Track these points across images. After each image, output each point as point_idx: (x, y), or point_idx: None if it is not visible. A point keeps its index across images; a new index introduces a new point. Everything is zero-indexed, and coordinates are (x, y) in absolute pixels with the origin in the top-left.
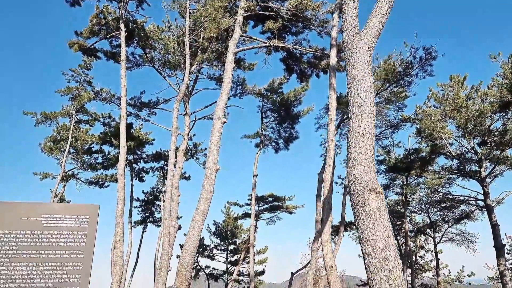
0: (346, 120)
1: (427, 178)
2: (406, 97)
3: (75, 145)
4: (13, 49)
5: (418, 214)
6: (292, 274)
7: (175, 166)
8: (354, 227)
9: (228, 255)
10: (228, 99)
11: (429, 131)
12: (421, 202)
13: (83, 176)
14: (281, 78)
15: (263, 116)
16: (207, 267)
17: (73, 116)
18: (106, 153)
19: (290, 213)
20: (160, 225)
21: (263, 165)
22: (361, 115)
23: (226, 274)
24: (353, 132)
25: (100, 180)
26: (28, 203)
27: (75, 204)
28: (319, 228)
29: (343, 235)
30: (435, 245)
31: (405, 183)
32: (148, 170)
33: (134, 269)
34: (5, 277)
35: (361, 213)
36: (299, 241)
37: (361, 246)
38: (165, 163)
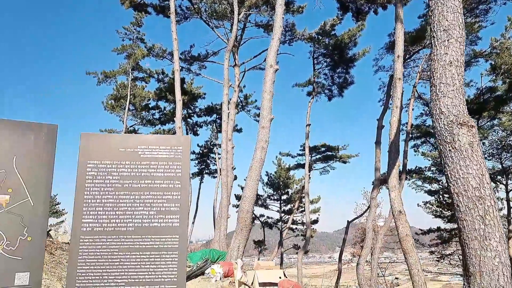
0: (408, 59)
1: (501, 119)
2: (481, 29)
3: (134, 102)
4: (71, 13)
5: (489, 160)
6: (348, 222)
7: (228, 118)
8: (415, 175)
9: (281, 204)
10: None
11: (506, 67)
12: (493, 146)
13: (143, 131)
14: (333, 19)
15: (315, 62)
16: (262, 215)
17: (130, 73)
18: (162, 108)
19: (344, 162)
20: (216, 176)
21: (315, 114)
22: (447, 40)
23: (280, 223)
24: (438, 60)
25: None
26: (123, 135)
27: (167, 135)
28: (378, 176)
29: (404, 184)
30: (507, 192)
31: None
32: (201, 124)
33: (194, 217)
34: (111, 205)
35: (449, 150)
36: (353, 191)
37: (449, 185)
38: (217, 116)
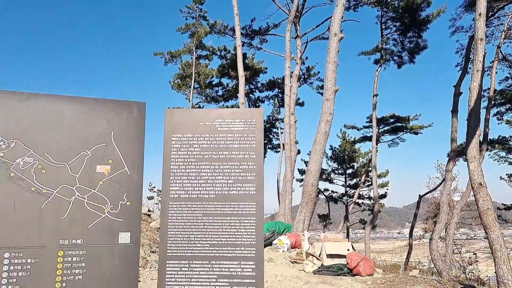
0: (492, 17)
1: None
2: None
3: (198, 80)
4: None
5: None
6: (420, 196)
7: (290, 92)
8: (498, 145)
9: (347, 178)
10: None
11: None
12: None
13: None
14: None
15: (383, 27)
16: (326, 190)
17: (194, 52)
18: (225, 85)
19: (416, 133)
20: (279, 151)
21: (383, 83)
22: None
23: (346, 197)
24: None
25: None
26: (203, 109)
27: (242, 109)
28: (455, 147)
29: (485, 155)
30: None
31: None
32: (263, 99)
33: None
34: (194, 174)
35: None
36: (425, 164)
37: None
38: (279, 90)
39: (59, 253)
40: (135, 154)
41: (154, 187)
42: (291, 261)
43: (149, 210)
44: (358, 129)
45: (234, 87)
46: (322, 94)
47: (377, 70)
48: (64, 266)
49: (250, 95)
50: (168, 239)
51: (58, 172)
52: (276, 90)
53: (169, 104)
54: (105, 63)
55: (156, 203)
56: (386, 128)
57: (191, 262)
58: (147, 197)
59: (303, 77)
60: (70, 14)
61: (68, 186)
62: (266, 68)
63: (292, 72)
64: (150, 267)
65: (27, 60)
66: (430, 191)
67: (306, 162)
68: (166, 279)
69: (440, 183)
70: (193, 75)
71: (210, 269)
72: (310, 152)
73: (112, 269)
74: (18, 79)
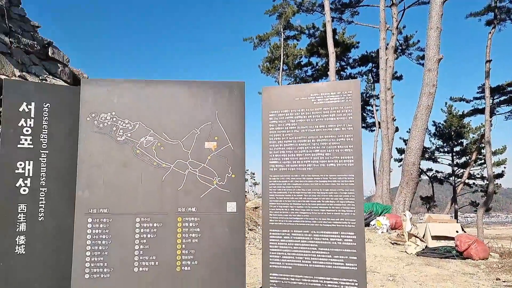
0: None
1: None
2: None
3: (287, 62)
4: None
5: None
6: None
7: (386, 65)
8: None
9: (454, 157)
10: None
11: None
12: None
13: None
14: None
15: None
16: (429, 170)
17: (282, 33)
18: (314, 64)
19: None
20: (374, 130)
21: (498, 47)
22: None
23: (453, 177)
24: None
25: None
26: (297, 85)
27: (337, 82)
28: None
29: None
30: None
31: None
32: (355, 75)
33: None
34: (291, 148)
35: None
36: None
37: None
38: (373, 65)
39: (178, 219)
40: (237, 131)
41: (247, 170)
42: (391, 242)
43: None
44: (467, 101)
45: (323, 65)
46: (423, 65)
47: (489, 33)
48: (183, 230)
49: (341, 72)
50: (270, 209)
51: (174, 149)
52: (370, 65)
53: (259, 88)
54: (196, 49)
55: (250, 185)
56: (502, 98)
57: (292, 231)
58: None
59: (400, 48)
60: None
61: (182, 161)
62: (358, 43)
63: (387, 44)
64: (249, 244)
65: (130, 47)
66: None
67: (405, 141)
68: (270, 246)
69: None
70: (282, 57)
71: (311, 238)
72: (409, 129)
73: (222, 235)
74: (127, 66)
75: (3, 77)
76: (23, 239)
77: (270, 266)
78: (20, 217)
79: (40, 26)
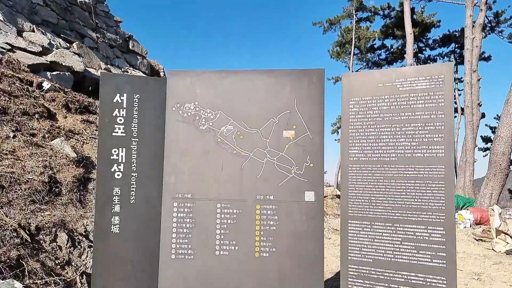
0: None
1: None
2: None
3: (359, 45)
4: None
5: None
6: None
7: (472, 45)
8: None
9: None
10: None
11: None
12: None
13: None
14: None
15: None
16: None
17: (354, 16)
18: (389, 47)
19: None
20: (456, 116)
21: None
22: None
23: None
24: None
25: None
26: (381, 70)
27: (426, 65)
28: None
29: None
30: None
31: None
32: (435, 57)
33: None
34: (373, 137)
35: None
36: None
37: None
38: (456, 45)
39: (256, 206)
40: (316, 119)
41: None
42: (475, 239)
43: None
44: None
45: (399, 47)
46: None
47: None
48: (261, 217)
49: (419, 54)
50: (349, 200)
51: (253, 138)
52: (452, 45)
53: (328, 74)
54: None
55: None
56: None
57: (373, 223)
58: None
59: (489, 25)
60: None
61: (261, 150)
62: (439, 22)
63: (474, 22)
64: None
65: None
66: None
67: (492, 128)
68: (349, 238)
69: None
70: (353, 40)
71: (394, 231)
72: (498, 115)
73: (300, 223)
74: (197, 56)
75: (92, 70)
76: (118, 220)
77: (349, 257)
78: (115, 199)
79: (122, 21)
